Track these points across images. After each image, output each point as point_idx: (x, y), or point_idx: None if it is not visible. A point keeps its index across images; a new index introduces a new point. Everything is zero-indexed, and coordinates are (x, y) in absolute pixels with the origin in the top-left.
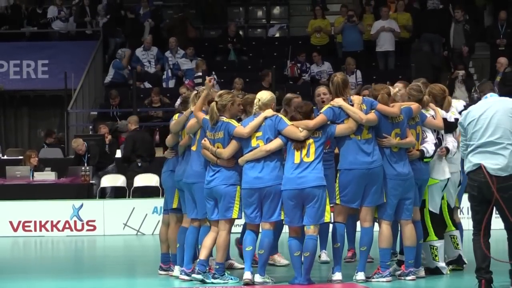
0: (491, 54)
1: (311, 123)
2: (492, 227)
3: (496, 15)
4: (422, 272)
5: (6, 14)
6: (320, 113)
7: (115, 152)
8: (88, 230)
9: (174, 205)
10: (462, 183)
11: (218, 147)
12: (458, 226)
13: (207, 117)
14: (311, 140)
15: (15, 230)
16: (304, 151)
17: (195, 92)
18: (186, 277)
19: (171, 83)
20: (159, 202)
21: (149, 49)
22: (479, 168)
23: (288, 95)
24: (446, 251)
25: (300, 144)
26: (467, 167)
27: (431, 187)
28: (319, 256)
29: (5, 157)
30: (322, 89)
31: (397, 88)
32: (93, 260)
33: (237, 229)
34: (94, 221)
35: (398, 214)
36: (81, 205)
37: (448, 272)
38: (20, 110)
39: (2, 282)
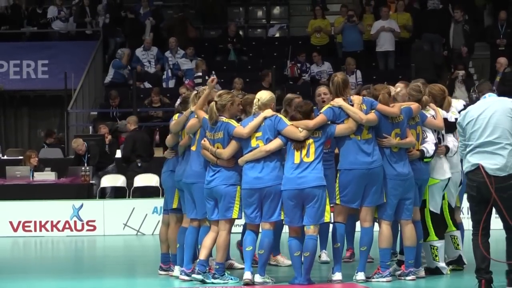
0: (491, 54)
1: (311, 123)
2: (492, 227)
3: (496, 15)
4: (422, 272)
5: (6, 14)
6: (320, 113)
7: (115, 152)
8: (88, 230)
9: (174, 205)
10: (463, 183)
11: (218, 147)
12: (459, 226)
13: (207, 116)
14: (311, 140)
15: (15, 230)
16: (304, 151)
17: (195, 92)
18: (186, 277)
19: (171, 83)
20: (159, 202)
21: (149, 49)
22: (478, 168)
23: (289, 95)
24: (447, 251)
25: (300, 144)
26: (466, 167)
27: (432, 187)
28: (319, 256)
29: (5, 157)
30: (322, 89)
31: (399, 88)
32: (93, 260)
33: (237, 229)
34: (94, 221)
35: (398, 214)
36: (81, 205)
37: (448, 272)
38: (20, 110)
39: (2, 282)
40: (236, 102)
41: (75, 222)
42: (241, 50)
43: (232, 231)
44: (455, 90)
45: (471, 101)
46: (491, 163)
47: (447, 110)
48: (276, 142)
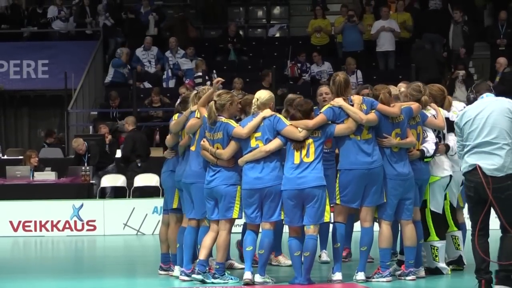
0: (491, 54)
1: (310, 123)
2: (491, 227)
3: (496, 15)
4: (422, 272)
5: (6, 14)
6: (320, 112)
7: (115, 152)
8: (88, 230)
9: (174, 205)
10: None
11: (217, 148)
12: (460, 226)
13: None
14: (310, 140)
15: (15, 230)
16: (304, 151)
17: (195, 92)
18: (186, 278)
19: (171, 83)
20: (159, 202)
21: (149, 49)
22: (475, 168)
23: (291, 95)
24: (447, 252)
25: (299, 144)
26: (463, 167)
27: (433, 185)
28: (319, 256)
29: (5, 157)
30: (324, 89)
31: (402, 88)
32: (93, 260)
33: (237, 229)
34: (94, 221)
35: (398, 214)
36: (81, 205)
37: (449, 273)
38: (20, 110)
39: (2, 282)
40: (235, 102)
41: (75, 222)
42: (241, 50)
43: (232, 231)
44: (455, 90)
45: (468, 102)
46: (489, 164)
47: (448, 110)
48: (276, 142)
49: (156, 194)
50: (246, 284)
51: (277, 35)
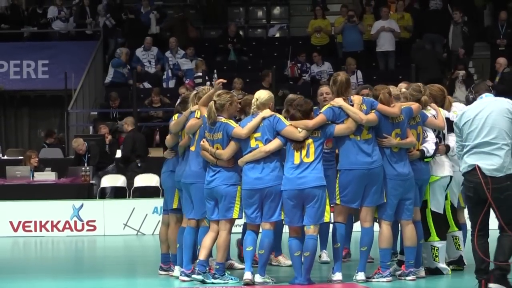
0: (491, 54)
1: (310, 123)
2: (491, 227)
3: (496, 15)
4: (422, 272)
5: (6, 14)
6: (320, 112)
7: (115, 152)
8: (88, 230)
9: (174, 206)
10: None
11: (217, 148)
12: (461, 226)
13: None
14: (310, 140)
15: (15, 230)
16: (304, 152)
17: (194, 92)
18: (186, 278)
19: (171, 83)
20: (159, 202)
21: (149, 49)
22: (474, 169)
23: (291, 95)
24: (448, 252)
25: (299, 144)
26: (463, 168)
27: (433, 185)
28: (320, 256)
29: (5, 157)
30: (325, 89)
31: (403, 88)
32: (93, 260)
33: (237, 229)
34: (94, 221)
35: (398, 214)
36: (81, 205)
37: (449, 273)
38: (20, 110)
39: (2, 282)
40: (234, 102)
41: (75, 222)
42: (241, 50)
43: (232, 231)
44: (455, 90)
45: (467, 102)
46: (488, 164)
47: (448, 110)
48: (276, 143)
49: (156, 194)
50: (246, 284)
51: (277, 35)
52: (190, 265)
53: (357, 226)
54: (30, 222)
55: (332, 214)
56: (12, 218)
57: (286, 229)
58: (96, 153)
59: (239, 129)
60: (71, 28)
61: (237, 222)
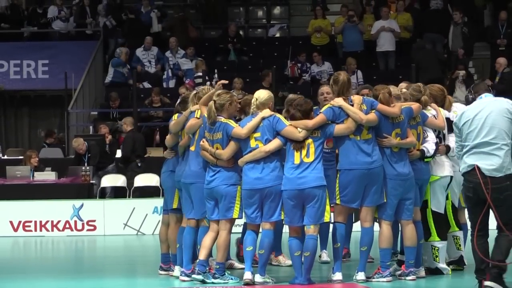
0: (491, 54)
1: (310, 123)
2: (491, 226)
3: (496, 15)
4: (422, 272)
5: (7, 14)
6: (320, 112)
7: (115, 152)
8: (88, 230)
9: (174, 206)
10: None
11: (217, 148)
12: (462, 226)
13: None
14: (310, 140)
15: (15, 230)
16: (304, 152)
17: (194, 92)
18: (186, 278)
19: (171, 83)
20: (159, 202)
21: (149, 49)
22: (474, 169)
23: (291, 95)
24: (448, 252)
25: (299, 144)
26: (462, 168)
27: (433, 185)
28: (320, 256)
29: (6, 157)
30: (325, 88)
31: (403, 88)
32: (93, 260)
33: (237, 229)
34: (94, 221)
35: (398, 214)
36: (82, 205)
37: (449, 273)
38: (21, 110)
39: (2, 282)
40: (234, 102)
41: (75, 222)
42: (241, 50)
43: (232, 231)
44: (456, 90)
45: (467, 102)
46: (488, 164)
47: (449, 110)
48: (275, 143)
49: (156, 194)
50: (246, 284)
51: (277, 35)
52: (190, 265)
53: (357, 226)
54: (30, 222)
55: (332, 214)
56: (12, 218)
57: (286, 229)
58: (96, 153)
59: (239, 129)
60: (71, 28)
61: (237, 222)
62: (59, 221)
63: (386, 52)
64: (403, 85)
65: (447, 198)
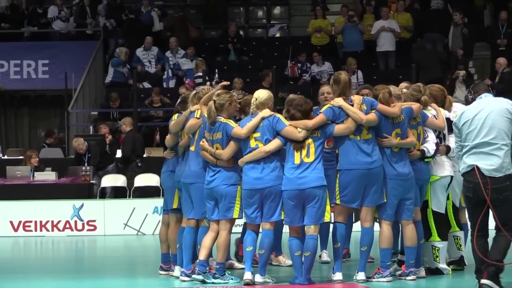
0: (491, 54)
1: (310, 123)
2: (490, 226)
3: (496, 15)
4: (422, 272)
5: (7, 14)
6: (320, 112)
7: (115, 152)
8: (88, 230)
9: (174, 206)
10: None
11: (217, 148)
12: (463, 226)
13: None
14: (310, 140)
15: (16, 230)
16: (304, 152)
17: (194, 92)
18: (186, 278)
19: (172, 83)
20: (159, 202)
21: (150, 49)
22: (473, 169)
23: (292, 96)
24: (449, 252)
25: (299, 144)
26: (462, 168)
27: (434, 185)
28: (320, 256)
29: (6, 157)
30: (326, 88)
31: (404, 89)
32: (93, 260)
33: (237, 229)
34: (94, 221)
35: (399, 214)
36: (82, 205)
37: (450, 273)
38: (21, 110)
39: (2, 282)
40: (234, 102)
41: (75, 222)
42: (241, 50)
43: (232, 231)
44: (456, 90)
45: (467, 102)
46: (487, 164)
47: (449, 110)
48: (275, 143)
49: (157, 194)
50: (247, 284)
51: (277, 35)
52: (190, 265)
53: (357, 226)
54: (31, 222)
55: (332, 214)
56: (12, 218)
57: (286, 229)
58: (96, 153)
59: (239, 129)
60: (71, 28)
61: (237, 222)
62: (59, 221)
63: (386, 52)
64: (403, 85)
65: (448, 198)
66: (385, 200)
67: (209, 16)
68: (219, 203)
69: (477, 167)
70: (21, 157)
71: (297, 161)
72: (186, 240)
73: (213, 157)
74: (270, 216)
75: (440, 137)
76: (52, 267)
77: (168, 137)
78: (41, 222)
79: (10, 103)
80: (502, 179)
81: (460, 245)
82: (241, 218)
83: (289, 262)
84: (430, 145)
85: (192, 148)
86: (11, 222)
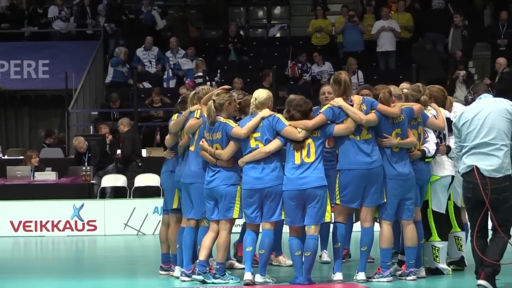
0: (492, 54)
1: (310, 123)
2: (490, 226)
3: (496, 15)
4: (422, 272)
5: (7, 14)
6: (320, 112)
7: (115, 152)
8: (88, 230)
9: (174, 206)
10: None
11: (216, 148)
12: (464, 227)
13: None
14: (310, 140)
15: (16, 230)
16: (304, 152)
17: (193, 92)
18: (186, 278)
19: (172, 83)
20: (159, 202)
21: (150, 49)
22: (473, 169)
23: (292, 96)
24: (450, 252)
25: (299, 144)
26: (461, 168)
27: (434, 185)
28: (320, 256)
29: (6, 157)
30: (327, 88)
31: (405, 89)
32: (93, 260)
33: (237, 229)
34: (94, 221)
35: (399, 214)
36: (82, 205)
37: (450, 273)
38: (21, 110)
39: (2, 282)
40: (233, 102)
41: (75, 222)
42: (241, 50)
43: (232, 231)
44: (456, 90)
45: (466, 102)
46: (487, 164)
47: (450, 110)
48: (276, 143)
49: (157, 194)
50: (247, 284)
51: (278, 35)
52: (190, 265)
53: (357, 226)
54: (31, 222)
55: (332, 214)
56: (12, 218)
57: (286, 229)
58: (97, 153)
59: (238, 129)
60: (72, 28)
61: (237, 222)
62: (59, 221)
63: (386, 52)
64: (404, 85)
65: (449, 198)
66: (385, 200)
67: (209, 16)
68: (219, 203)
69: (477, 168)
70: (22, 157)
71: (297, 161)
72: (186, 240)
73: (212, 157)
74: (270, 216)
75: (441, 137)
76: (52, 267)
77: (168, 137)
78: (41, 222)
79: (11, 103)
80: (501, 180)
81: (461, 246)
82: (241, 218)
83: (289, 262)
84: (430, 145)
85: (192, 148)
86: (11, 222)
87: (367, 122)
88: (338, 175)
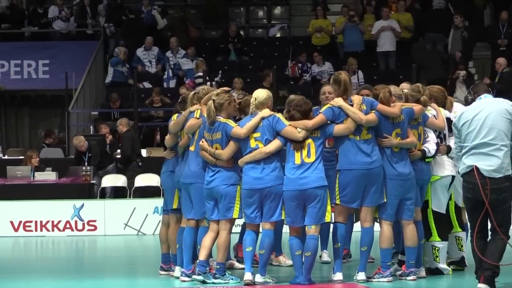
0: (492, 54)
1: (310, 123)
2: (490, 227)
3: (496, 15)
4: (423, 272)
5: (7, 14)
6: (319, 112)
7: (115, 152)
8: (89, 230)
9: (174, 206)
10: None
11: (216, 148)
12: (465, 227)
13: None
14: (310, 140)
15: (16, 230)
16: (305, 152)
17: (193, 92)
18: (186, 278)
19: (172, 83)
20: (160, 202)
21: (150, 49)
22: (473, 170)
23: (292, 96)
24: (450, 252)
25: (299, 144)
26: (461, 169)
27: (434, 185)
28: (320, 256)
29: (6, 157)
30: (327, 88)
31: (405, 89)
32: (93, 260)
33: (237, 229)
34: (95, 221)
35: (399, 214)
36: (82, 205)
37: (450, 273)
38: (21, 110)
39: (2, 282)
40: (233, 102)
41: (76, 222)
42: (241, 50)
43: (232, 231)
44: (456, 90)
45: (466, 103)
46: (487, 165)
47: (450, 110)
48: (276, 143)
49: (157, 194)
50: (247, 284)
51: (278, 35)
52: (190, 265)
53: (357, 226)
54: (31, 222)
55: (332, 214)
56: (12, 218)
57: (286, 229)
58: (97, 153)
59: (238, 129)
60: (72, 28)
61: (237, 222)
62: (59, 221)
63: (386, 52)
64: (404, 85)
65: (450, 198)
66: (385, 200)
67: (209, 16)
68: (218, 203)
69: (476, 168)
70: (22, 157)
71: (297, 161)
72: (186, 240)
73: (212, 157)
74: (270, 216)
75: (441, 137)
76: (53, 267)
77: (167, 137)
78: (41, 222)
79: (11, 103)
80: (501, 180)
81: (462, 246)
82: (241, 218)
83: (290, 262)
84: (431, 145)
85: (191, 148)
86: (12, 222)
87: (367, 122)
88: (338, 175)
